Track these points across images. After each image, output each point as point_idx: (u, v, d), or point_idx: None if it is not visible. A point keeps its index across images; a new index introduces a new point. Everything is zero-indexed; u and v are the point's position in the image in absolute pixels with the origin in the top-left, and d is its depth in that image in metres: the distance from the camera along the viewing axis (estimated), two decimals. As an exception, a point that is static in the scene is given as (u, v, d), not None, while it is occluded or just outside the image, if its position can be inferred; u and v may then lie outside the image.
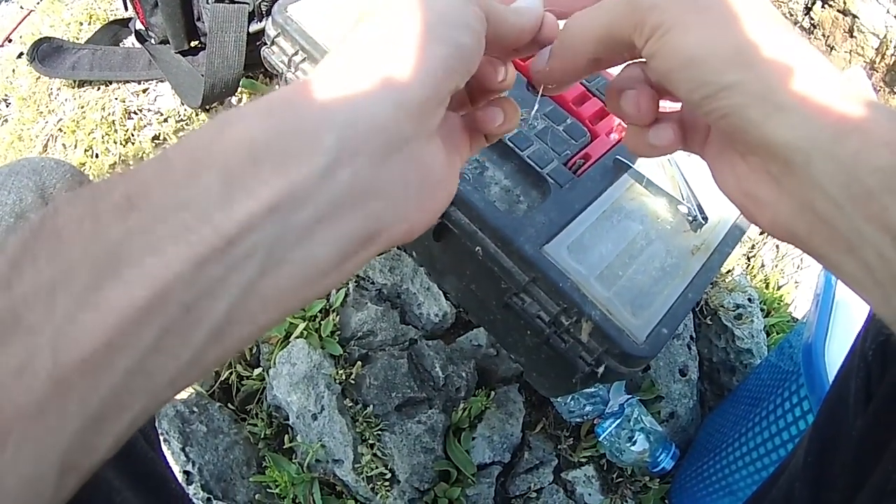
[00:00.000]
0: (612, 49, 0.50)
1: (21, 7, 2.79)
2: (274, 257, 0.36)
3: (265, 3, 1.69)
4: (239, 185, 0.35)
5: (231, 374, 1.52)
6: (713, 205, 1.22)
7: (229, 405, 1.52)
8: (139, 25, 1.94)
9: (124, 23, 2.09)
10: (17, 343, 0.30)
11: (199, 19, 1.80)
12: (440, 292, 1.54)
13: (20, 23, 2.57)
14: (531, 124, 1.25)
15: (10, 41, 2.37)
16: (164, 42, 1.90)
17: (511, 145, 1.19)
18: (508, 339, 1.36)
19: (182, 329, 0.34)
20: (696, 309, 1.81)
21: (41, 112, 2.03)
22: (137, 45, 1.98)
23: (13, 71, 2.25)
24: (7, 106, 2.18)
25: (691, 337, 1.76)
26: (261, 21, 1.71)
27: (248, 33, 1.70)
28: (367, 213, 0.41)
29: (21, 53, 2.23)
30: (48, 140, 1.98)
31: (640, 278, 1.12)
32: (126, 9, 1.95)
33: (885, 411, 0.69)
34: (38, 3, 2.57)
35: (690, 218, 1.20)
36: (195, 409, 1.44)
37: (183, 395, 1.49)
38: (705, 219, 1.20)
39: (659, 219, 1.20)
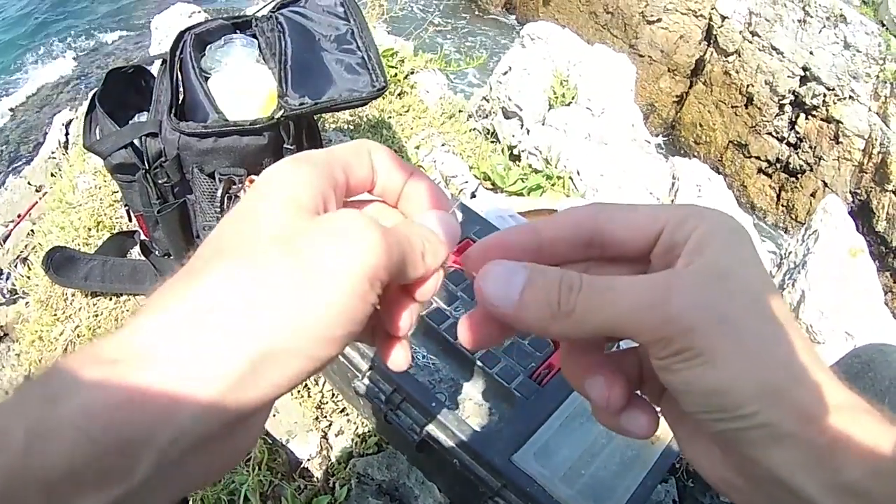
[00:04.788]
0: (608, 335, 0.48)
1: (29, 183, 2.98)
2: None
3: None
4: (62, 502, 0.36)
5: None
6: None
7: None
8: (143, 237, 2.06)
9: (130, 234, 2.26)
10: None
11: (197, 237, 1.94)
12: (433, 485, 1.66)
13: (32, 207, 2.77)
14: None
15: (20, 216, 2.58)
16: (168, 255, 2.04)
17: (481, 364, 1.34)
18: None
19: None
20: (678, 475, 1.92)
21: (58, 318, 2.19)
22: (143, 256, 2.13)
23: (28, 268, 2.43)
24: (26, 305, 2.35)
25: (674, 501, 1.86)
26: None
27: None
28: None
29: (24, 258, 2.42)
30: (68, 345, 2.12)
31: (602, 474, 1.25)
32: (130, 220, 2.07)
33: None
34: (51, 187, 2.76)
35: (647, 410, 1.33)
36: None
37: None
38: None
39: (619, 414, 1.33)
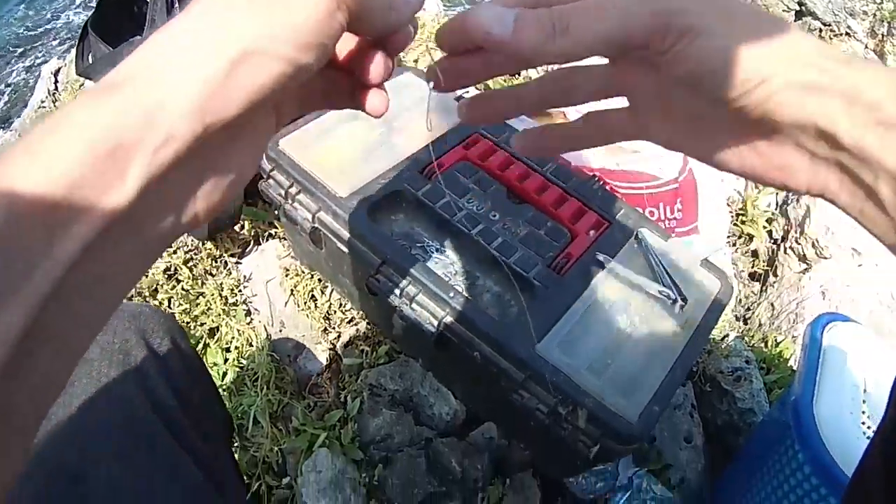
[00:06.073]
0: (616, 50, 0.50)
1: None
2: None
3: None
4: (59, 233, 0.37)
5: (260, 485, 1.60)
6: (692, 285, 1.31)
7: (262, 516, 1.60)
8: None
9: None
10: None
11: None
12: (449, 392, 1.62)
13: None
14: (511, 230, 1.35)
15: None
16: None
17: (497, 254, 1.29)
18: (515, 430, 1.45)
19: None
20: (695, 379, 1.88)
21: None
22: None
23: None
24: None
25: (692, 405, 1.82)
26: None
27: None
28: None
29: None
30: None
31: (628, 364, 1.20)
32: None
33: None
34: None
35: (671, 301, 1.29)
36: (230, 524, 1.51)
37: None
38: (685, 299, 1.29)
39: (642, 305, 1.28)
